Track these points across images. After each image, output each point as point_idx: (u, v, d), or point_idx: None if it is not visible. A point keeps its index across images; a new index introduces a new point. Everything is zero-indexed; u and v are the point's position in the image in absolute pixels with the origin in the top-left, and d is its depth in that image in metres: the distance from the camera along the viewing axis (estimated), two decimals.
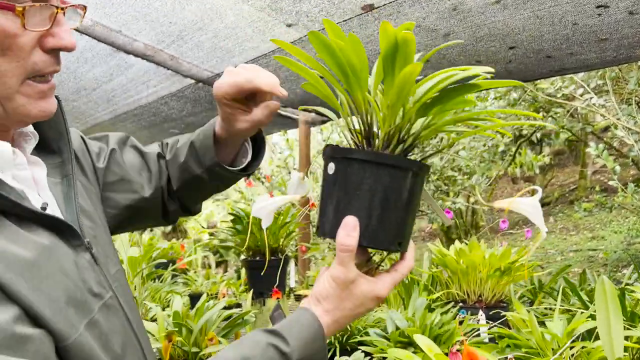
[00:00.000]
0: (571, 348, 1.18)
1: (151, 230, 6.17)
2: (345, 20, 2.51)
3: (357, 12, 2.44)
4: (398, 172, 0.77)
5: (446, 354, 1.52)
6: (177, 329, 1.56)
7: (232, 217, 2.20)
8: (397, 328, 1.63)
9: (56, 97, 0.81)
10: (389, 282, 0.82)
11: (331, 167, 0.81)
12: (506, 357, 1.24)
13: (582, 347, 1.15)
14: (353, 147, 0.83)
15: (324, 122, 4.05)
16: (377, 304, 0.83)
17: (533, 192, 0.81)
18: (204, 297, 1.83)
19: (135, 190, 1.08)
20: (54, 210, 0.81)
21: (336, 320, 0.81)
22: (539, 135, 5.26)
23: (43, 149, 0.88)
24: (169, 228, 6.09)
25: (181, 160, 1.10)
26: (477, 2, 2.11)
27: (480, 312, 1.68)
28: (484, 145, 4.16)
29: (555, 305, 1.38)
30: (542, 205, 3.97)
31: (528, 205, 0.79)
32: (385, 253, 0.86)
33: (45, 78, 0.75)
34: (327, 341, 0.83)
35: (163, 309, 1.88)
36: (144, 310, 2.05)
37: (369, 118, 0.82)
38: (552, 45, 2.45)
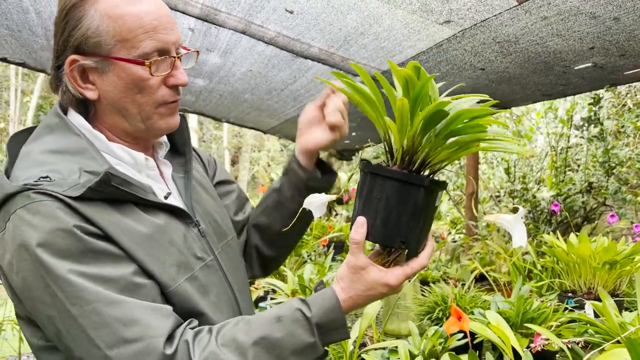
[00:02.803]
0: None
1: None
2: (496, 15, 2.56)
3: (505, 7, 2.47)
4: (405, 185, 0.94)
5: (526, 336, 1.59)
6: (299, 289, 1.89)
7: None
8: (498, 309, 1.73)
9: (181, 115, 1.18)
10: (399, 273, 0.97)
11: (360, 178, 1.02)
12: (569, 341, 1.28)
13: None
14: (383, 163, 1.02)
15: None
16: (389, 290, 0.97)
17: (515, 210, 0.96)
18: (332, 267, 2.12)
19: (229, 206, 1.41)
20: (175, 197, 1.16)
21: (350, 297, 0.97)
22: None
23: (174, 152, 1.24)
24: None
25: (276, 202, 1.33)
26: None
27: (587, 304, 1.66)
28: None
29: None
30: None
31: (509, 221, 0.92)
32: (400, 251, 1.00)
33: (170, 104, 1.10)
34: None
35: (294, 274, 2.23)
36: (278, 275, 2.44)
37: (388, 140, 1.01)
38: None
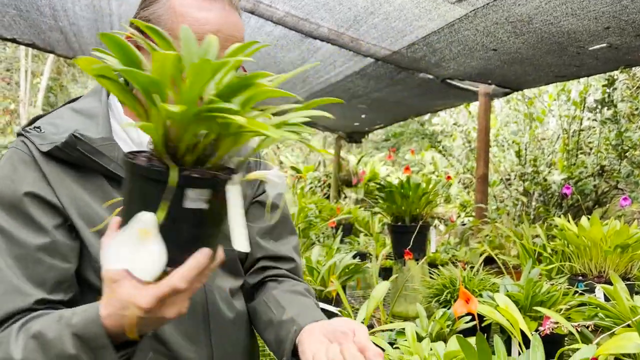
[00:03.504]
0: None
1: (314, 193, 6.64)
2: None
3: None
4: (149, 182, 0.69)
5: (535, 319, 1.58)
6: (307, 270, 1.88)
7: (377, 186, 2.43)
8: (507, 292, 1.71)
9: None
10: (150, 293, 0.72)
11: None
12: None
13: None
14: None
15: (506, 94, 3.96)
16: (145, 314, 0.73)
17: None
18: (340, 249, 2.12)
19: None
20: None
21: (110, 315, 0.77)
22: None
23: None
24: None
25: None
26: None
27: (597, 288, 1.64)
28: None
29: None
30: None
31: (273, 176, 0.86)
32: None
33: None
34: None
35: (301, 256, 2.22)
36: None
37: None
38: None
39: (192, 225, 0.70)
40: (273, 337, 1.09)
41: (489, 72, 3.57)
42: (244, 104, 0.68)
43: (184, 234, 0.70)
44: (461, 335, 1.00)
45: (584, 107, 4.06)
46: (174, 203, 0.67)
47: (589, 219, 1.81)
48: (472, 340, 1.04)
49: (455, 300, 1.90)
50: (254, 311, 1.20)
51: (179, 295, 0.75)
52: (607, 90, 3.39)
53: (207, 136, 0.70)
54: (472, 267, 2.19)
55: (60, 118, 1.03)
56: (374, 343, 0.90)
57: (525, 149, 4.42)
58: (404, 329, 1.53)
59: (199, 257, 0.71)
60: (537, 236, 2.43)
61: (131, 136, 1.09)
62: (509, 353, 1.39)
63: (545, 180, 4.12)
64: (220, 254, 0.78)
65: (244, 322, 1.19)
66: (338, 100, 0.80)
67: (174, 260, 0.70)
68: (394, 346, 1.38)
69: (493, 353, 1.08)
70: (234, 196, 0.70)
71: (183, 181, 0.67)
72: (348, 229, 4.09)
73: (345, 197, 6.21)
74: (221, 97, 0.65)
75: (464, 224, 4.86)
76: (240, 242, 0.72)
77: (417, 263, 2.34)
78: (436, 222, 5.39)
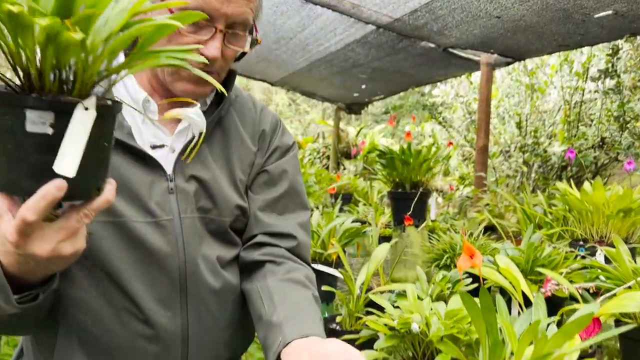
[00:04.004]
0: None
1: (313, 165, 6.62)
2: None
3: None
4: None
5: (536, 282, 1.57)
6: None
7: (377, 152, 2.41)
8: (507, 255, 1.71)
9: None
10: (11, 226, 0.69)
11: None
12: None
13: None
14: None
15: (508, 63, 3.91)
16: (13, 247, 0.71)
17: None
18: (339, 216, 2.12)
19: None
20: (167, 150, 1.08)
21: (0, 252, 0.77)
22: None
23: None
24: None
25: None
26: None
27: (599, 251, 1.64)
28: None
29: None
30: None
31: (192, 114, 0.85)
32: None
33: None
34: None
35: None
36: None
37: None
38: None
39: (37, 151, 0.66)
40: (261, 336, 1.05)
41: (491, 41, 3.52)
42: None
43: (32, 161, 0.66)
44: (464, 292, 0.99)
45: (586, 77, 4.02)
46: (16, 126, 0.65)
47: (591, 183, 1.80)
48: (476, 299, 1.04)
49: (455, 265, 1.91)
50: (247, 296, 1.14)
51: (45, 230, 0.71)
52: (611, 60, 3.35)
53: (60, 58, 0.66)
54: (471, 234, 2.19)
55: None
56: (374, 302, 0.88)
57: (526, 120, 4.40)
58: (404, 291, 1.52)
59: (48, 187, 0.66)
60: (537, 205, 2.42)
61: (129, 92, 1.08)
62: (509, 314, 1.39)
63: (546, 151, 4.11)
64: (108, 190, 0.74)
65: (232, 294, 1.14)
66: None
67: (31, 191, 0.67)
68: (395, 306, 1.38)
69: (495, 311, 1.07)
70: (79, 121, 0.66)
71: (22, 102, 0.64)
72: (347, 199, 4.09)
73: (344, 168, 6.19)
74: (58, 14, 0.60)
75: (462, 197, 4.87)
76: (63, 164, 0.65)
77: (417, 229, 2.34)
78: (435, 194, 5.38)
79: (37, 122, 0.65)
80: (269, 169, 1.21)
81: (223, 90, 0.90)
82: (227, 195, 1.13)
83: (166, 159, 1.07)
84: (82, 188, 0.70)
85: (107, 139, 0.72)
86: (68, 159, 0.66)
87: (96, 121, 0.67)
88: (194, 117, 0.89)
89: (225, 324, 1.13)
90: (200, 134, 0.93)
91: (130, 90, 1.07)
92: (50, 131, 0.65)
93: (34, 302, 0.84)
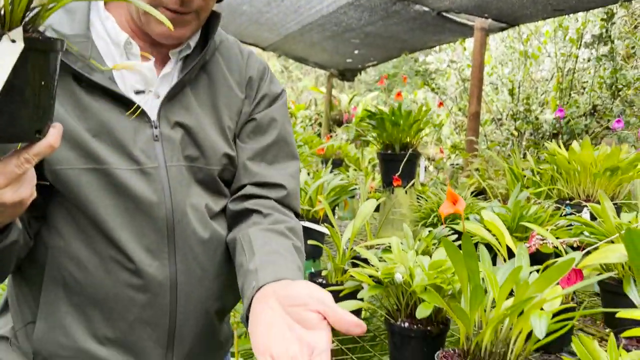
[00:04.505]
0: None
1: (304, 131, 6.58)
2: None
3: None
4: None
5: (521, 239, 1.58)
6: None
7: (368, 113, 2.39)
8: (493, 212, 1.71)
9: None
10: None
11: None
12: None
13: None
14: None
15: (502, 29, 3.87)
16: None
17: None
18: (326, 174, 2.11)
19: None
20: (152, 96, 1.05)
21: None
22: None
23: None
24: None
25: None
26: None
27: (585, 209, 1.65)
28: None
29: None
30: None
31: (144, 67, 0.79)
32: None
33: (170, 11, 0.98)
34: None
35: None
36: None
37: None
38: None
39: None
40: (240, 284, 1.02)
41: (485, 5, 3.47)
42: None
43: None
44: (448, 239, 0.99)
45: (580, 44, 3.99)
46: None
47: (580, 143, 1.80)
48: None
49: (442, 224, 1.91)
50: (231, 247, 1.12)
51: None
52: (606, 25, 3.32)
53: None
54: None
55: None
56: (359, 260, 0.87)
57: (519, 88, 4.37)
58: (389, 246, 1.53)
59: None
60: (526, 169, 2.42)
61: (109, 33, 1.04)
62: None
63: (537, 119, 4.10)
64: (51, 135, 0.70)
65: (221, 246, 1.13)
66: None
67: None
68: (381, 260, 1.38)
69: (477, 258, 1.07)
70: (3, 53, 0.62)
71: None
72: (338, 164, 4.08)
73: (336, 135, 6.17)
74: None
75: (453, 165, 4.87)
76: None
77: (405, 191, 2.34)
78: (426, 162, 5.39)
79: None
80: (257, 117, 1.18)
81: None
82: (214, 143, 1.10)
83: (150, 105, 1.05)
84: (17, 129, 0.66)
85: (45, 77, 0.68)
86: None
87: (30, 57, 0.64)
88: (144, 72, 0.84)
89: (214, 275, 1.11)
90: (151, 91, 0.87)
91: (110, 32, 1.04)
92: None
93: None
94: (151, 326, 1.03)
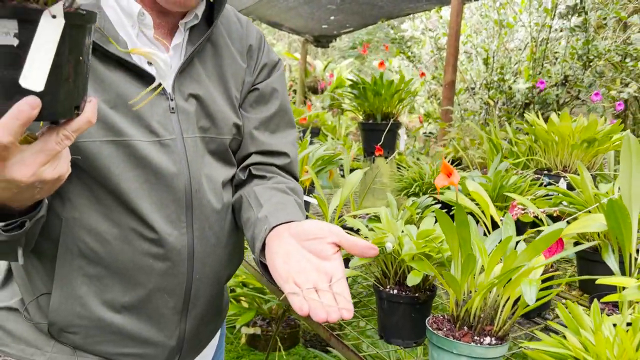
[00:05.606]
0: None
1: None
2: None
3: None
4: None
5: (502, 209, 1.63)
6: None
7: (350, 83, 2.40)
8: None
9: None
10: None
11: None
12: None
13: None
14: None
15: None
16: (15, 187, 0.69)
17: None
18: (316, 146, 2.14)
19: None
20: (163, 67, 1.06)
21: None
22: None
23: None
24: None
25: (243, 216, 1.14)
26: None
27: (562, 179, 1.71)
28: None
29: None
30: None
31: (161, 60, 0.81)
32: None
33: None
34: None
35: None
36: None
37: None
38: None
39: (2, 65, 0.60)
40: (249, 235, 1.08)
41: None
42: None
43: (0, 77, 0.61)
44: (439, 209, 1.03)
45: (554, 14, 4.03)
46: None
47: (558, 115, 1.85)
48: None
49: (423, 193, 1.95)
50: (237, 207, 1.17)
51: (24, 153, 0.67)
52: None
53: None
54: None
55: None
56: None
57: (493, 57, 4.42)
58: (375, 215, 1.56)
59: (21, 105, 0.60)
60: (504, 138, 2.48)
61: (121, 4, 1.02)
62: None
63: (510, 88, 4.16)
64: (88, 110, 0.69)
65: (230, 214, 1.18)
66: None
67: (2, 111, 0.62)
68: (369, 229, 1.41)
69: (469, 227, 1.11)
70: (46, 29, 0.61)
71: None
72: (315, 133, 4.09)
73: (311, 103, 6.15)
74: None
75: (426, 134, 4.92)
76: (30, 78, 0.61)
77: (387, 160, 2.37)
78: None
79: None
80: (260, 86, 1.21)
81: None
82: (224, 114, 1.13)
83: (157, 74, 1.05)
84: (58, 106, 0.66)
85: (82, 52, 0.67)
86: (35, 72, 0.61)
87: (67, 32, 0.63)
88: (159, 64, 0.83)
89: (225, 243, 1.16)
90: (160, 85, 0.87)
91: (122, 2, 1.02)
92: (15, 42, 0.60)
93: (21, 230, 0.82)
94: (168, 293, 1.06)
